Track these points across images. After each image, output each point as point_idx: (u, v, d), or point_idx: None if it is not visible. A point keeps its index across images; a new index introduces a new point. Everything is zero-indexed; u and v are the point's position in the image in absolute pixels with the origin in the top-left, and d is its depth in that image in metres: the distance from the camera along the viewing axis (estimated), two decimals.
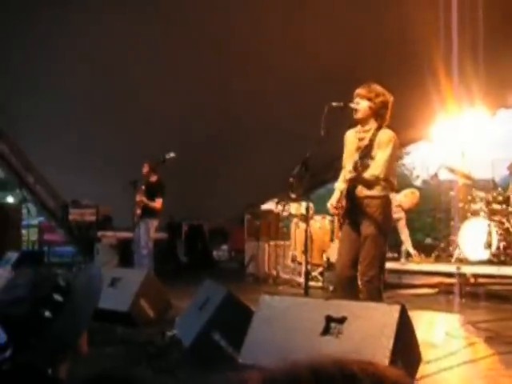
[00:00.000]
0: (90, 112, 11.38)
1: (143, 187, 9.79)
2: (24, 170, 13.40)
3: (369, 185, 5.17)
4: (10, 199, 23.53)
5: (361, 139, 5.33)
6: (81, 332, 1.87)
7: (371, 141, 5.21)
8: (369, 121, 5.30)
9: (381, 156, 5.05)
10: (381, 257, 5.28)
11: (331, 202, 5.45)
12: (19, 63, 10.46)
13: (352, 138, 5.45)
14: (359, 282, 5.27)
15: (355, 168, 4.98)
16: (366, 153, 5.10)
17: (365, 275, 5.12)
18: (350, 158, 5.35)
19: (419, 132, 13.54)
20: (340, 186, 5.51)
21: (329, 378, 0.66)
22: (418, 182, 26.42)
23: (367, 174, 5.06)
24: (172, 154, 9.42)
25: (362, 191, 5.21)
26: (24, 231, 15.39)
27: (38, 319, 1.73)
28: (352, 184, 5.15)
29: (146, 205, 9.75)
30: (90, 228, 13.00)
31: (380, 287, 5.21)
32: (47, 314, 1.75)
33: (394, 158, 5.53)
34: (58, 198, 13.93)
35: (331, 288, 9.39)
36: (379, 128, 5.26)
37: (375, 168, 5.07)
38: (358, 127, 5.42)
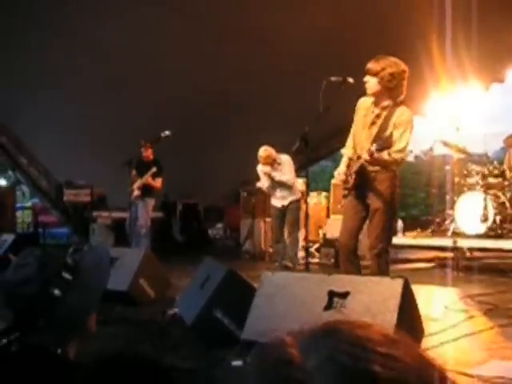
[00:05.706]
0: (81, 92, 11.26)
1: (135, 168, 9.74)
2: (17, 151, 13.30)
3: (385, 166, 5.03)
4: (3, 182, 23.41)
5: (377, 116, 5.10)
6: (90, 311, 1.85)
7: (387, 119, 5.01)
8: (383, 96, 5.03)
9: (403, 140, 4.90)
10: (389, 230, 5.28)
11: (339, 171, 5.36)
12: (9, 45, 10.31)
13: (368, 106, 5.17)
14: (368, 255, 5.27)
15: (372, 150, 4.78)
16: (383, 130, 4.96)
17: (374, 248, 5.10)
18: (362, 130, 5.18)
19: (412, 107, 13.46)
20: (347, 152, 5.40)
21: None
22: (410, 158, 26.43)
23: (387, 156, 4.85)
24: (167, 133, 9.31)
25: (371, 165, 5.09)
26: (18, 213, 15.35)
27: (48, 298, 1.71)
28: (368, 163, 4.98)
29: (147, 184, 9.70)
30: (84, 208, 12.96)
31: (388, 260, 5.21)
32: (56, 292, 1.72)
33: None
34: (52, 179, 13.84)
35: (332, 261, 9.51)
36: (396, 104, 5.03)
37: (397, 152, 4.91)
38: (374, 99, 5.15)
